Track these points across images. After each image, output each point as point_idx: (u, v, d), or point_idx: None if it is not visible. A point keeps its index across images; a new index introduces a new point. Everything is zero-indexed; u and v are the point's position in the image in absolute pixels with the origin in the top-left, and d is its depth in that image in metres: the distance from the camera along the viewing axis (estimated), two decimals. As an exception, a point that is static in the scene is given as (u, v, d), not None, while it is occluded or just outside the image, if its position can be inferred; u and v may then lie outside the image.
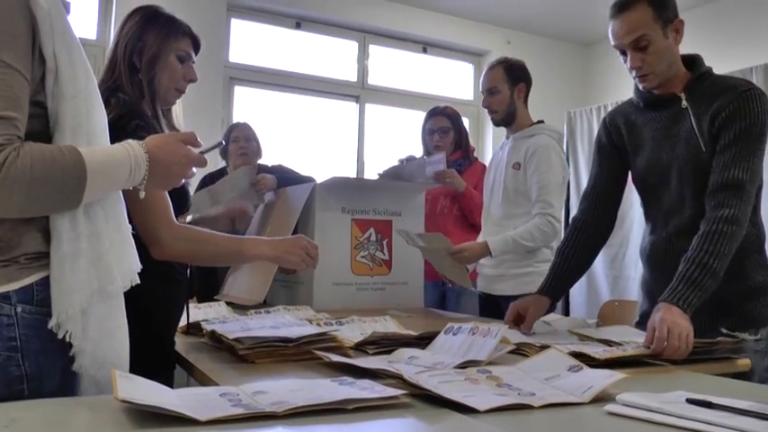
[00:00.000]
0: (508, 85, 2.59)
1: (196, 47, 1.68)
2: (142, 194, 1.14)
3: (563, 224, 2.71)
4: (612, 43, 1.78)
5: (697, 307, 1.54)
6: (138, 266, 1.17)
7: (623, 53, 1.77)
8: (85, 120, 1.08)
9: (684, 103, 1.76)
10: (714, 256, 1.56)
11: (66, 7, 1.11)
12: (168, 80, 1.60)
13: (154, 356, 1.37)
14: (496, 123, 2.67)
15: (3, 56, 0.98)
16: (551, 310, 2.03)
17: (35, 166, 0.97)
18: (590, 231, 1.99)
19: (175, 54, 1.61)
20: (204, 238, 1.53)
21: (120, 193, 1.16)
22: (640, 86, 1.82)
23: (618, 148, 1.94)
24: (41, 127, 1.06)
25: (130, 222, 1.20)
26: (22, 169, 0.96)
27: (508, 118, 2.62)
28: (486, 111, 2.69)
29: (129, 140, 1.11)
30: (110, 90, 1.52)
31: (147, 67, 1.57)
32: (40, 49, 1.03)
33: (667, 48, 1.74)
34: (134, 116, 1.48)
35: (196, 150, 1.21)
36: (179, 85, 1.64)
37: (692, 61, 1.80)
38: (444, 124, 3.13)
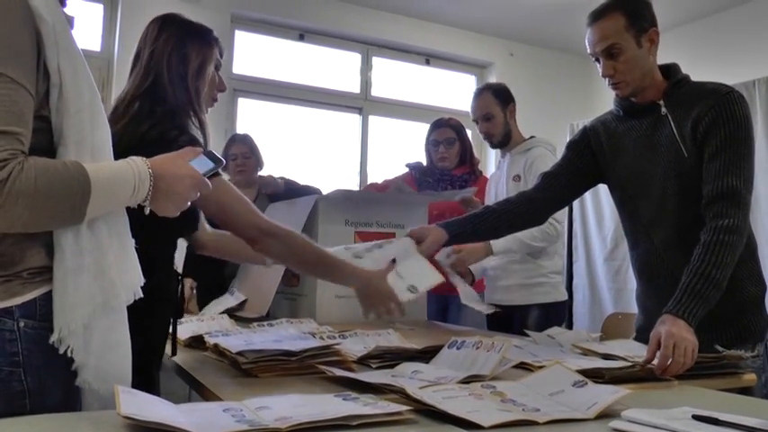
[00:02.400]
0: (500, 108, 2.67)
1: (221, 53, 1.71)
2: (147, 210, 1.14)
3: (565, 225, 2.75)
4: (588, 51, 1.81)
5: (700, 319, 1.53)
6: (142, 281, 1.16)
7: (598, 61, 1.79)
8: (89, 134, 1.08)
9: (664, 110, 1.76)
10: (717, 267, 1.55)
11: (70, 21, 1.12)
12: (209, 89, 1.65)
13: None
14: (494, 146, 2.71)
15: (8, 71, 0.98)
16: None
17: (39, 181, 0.97)
18: (529, 207, 2.01)
19: (214, 64, 1.65)
20: (304, 244, 1.61)
21: (124, 208, 1.16)
22: (616, 95, 1.85)
23: (592, 152, 1.95)
24: (45, 141, 1.06)
25: (135, 238, 1.20)
26: (27, 183, 0.96)
27: (505, 139, 2.70)
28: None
29: (133, 157, 1.11)
30: (150, 97, 1.54)
31: (195, 77, 1.59)
32: (45, 63, 1.03)
33: (640, 57, 1.74)
34: (183, 130, 1.50)
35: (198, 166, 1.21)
36: (214, 94, 1.69)
37: (669, 69, 1.81)
38: (449, 135, 3.12)
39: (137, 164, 1.10)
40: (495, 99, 2.66)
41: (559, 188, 2.02)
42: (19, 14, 1.01)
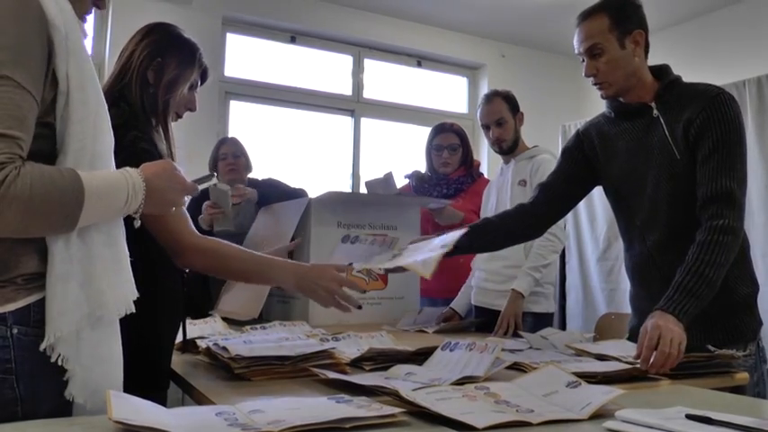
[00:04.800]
0: (511, 115, 2.66)
1: (204, 76, 1.71)
2: (137, 223, 1.14)
3: (564, 229, 2.74)
4: (575, 51, 1.82)
5: (692, 317, 1.53)
6: (135, 295, 1.15)
7: (584, 61, 1.80)
8: (91, 144, 1.08)
9: (655, 112, 1.77)
10: (711, 266, 1.55)
11: (84, 33, 1.13)
12: (175, 106, 1.63)
13: (145, 375, 1.35)
14: (503, 152, 2.70)
15: (15, 75, 0.98)
16: None
17: (35, 186, 0.97)
18: (527, 219, 2.02)
19: (188, 83, 1.64)
20: (229, 253, 1.53)
21: (121, 219, 1.15)
22: (602, 96, 1.85)
23: (586, 157, 1.96)
24: (47, 148, 1.06)
25: (133, 245, 1.19)
26: (22, 188, 0.95)
27: (513, 146, 2.68)
28: (480, 132, 2.72)
29: (128, 168, 1.12)
30: (114, 96, 1.53)
31: (166, 88, 1.58)
32: (54, 71, 1.04)
33: (623, 58, 1.75)
34: (131, 127, 1.48)
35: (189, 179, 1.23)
36: (180, 111, 1.67)
37: (660, 71, 1.82)
38: (454, 141, 3.11)
39: (131, 175, 1.11)
40: (506, 105, 2.67)
41: (557, 199, 2.02)
42: (33, 21, 1.01)
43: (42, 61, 1.02)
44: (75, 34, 1.07)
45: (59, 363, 1.04)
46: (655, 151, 1.75)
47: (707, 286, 1.54)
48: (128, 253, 1.17)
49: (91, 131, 1.08)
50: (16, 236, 1.02)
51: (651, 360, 1.43)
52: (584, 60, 1.80)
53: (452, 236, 1.76)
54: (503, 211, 2.13)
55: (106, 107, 1.14)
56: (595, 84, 1.80)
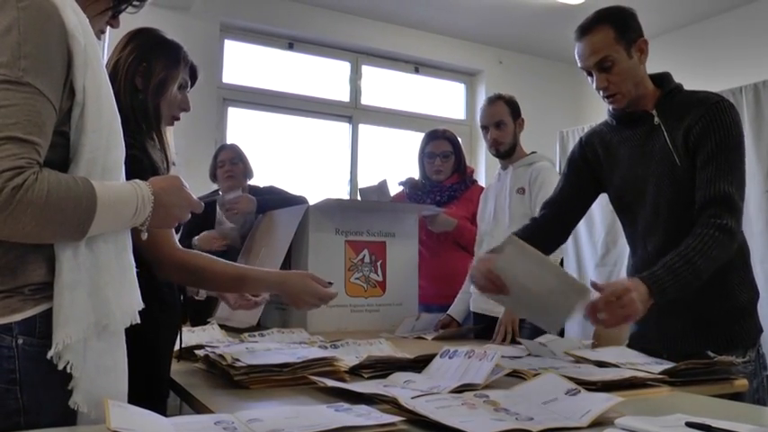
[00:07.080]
0: (512, 119, 2.66)
1: (193, 75, 1.71)
2: (145, 235, 1.14)
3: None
4: (579, 65, 1.81)
5: (668, 299, 1.52)
6: (140, 305, 1.15)
7: (590, 75, 1.80)
8: (103, 155, 1.09)
9: (657, 119, 1.77)
10: (701, 255, 1.55)
11: (102, 48, 1.14)
12: (167, 108, 1.63)
13: (145, 385, 1.35)
14: (500, 155, 2.70)
15: (36, 83, 1.00)
16: None
17: (51, 192, 0.97)
18: (540, 236, 1.98)
19: (177, 83, 1.63)
20: (206, 266, 1.54)
21: (128, 231, 1.16)
22: (610, 107, 1.85)
23: (590, 166, 1.96)
24: (61, 157, 1.07)
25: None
26: (39, 194, 0.96)
27: (511, 150, 2.69)
28: (481, 137, 2.71)
29: (138, 180, 1.13)
30: None
31: (154, 93, 1.58)
32: (72, 82, 1.06)
33: (632, 67, 1.76)
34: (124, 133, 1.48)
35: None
36: (175, 113, 1.67)
37: (662, 79, 1.82)
38: (446, 148, 3.10)
39: (141, 188, 1.11)
40: (508, 108, 2.68)
41: (566, 213, 2.02)
42: (55, 32, 1.03)
43: (62, 71, 1.04)
44: (93, 46, 1.09)
45: (68, 370, 1.04)
46: (656, 158, 1.76)
47: (692, 272, 1.54)
48: (134, 264, 1.17)
49: (104, 143, 1.09)
50: (29, 241, 1.02)
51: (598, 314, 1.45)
52: (590, 74, 1.79)
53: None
54: (522, 232, 2.00)
55: (119, 120, 1.15)
56: (607, 96, 1.79)
